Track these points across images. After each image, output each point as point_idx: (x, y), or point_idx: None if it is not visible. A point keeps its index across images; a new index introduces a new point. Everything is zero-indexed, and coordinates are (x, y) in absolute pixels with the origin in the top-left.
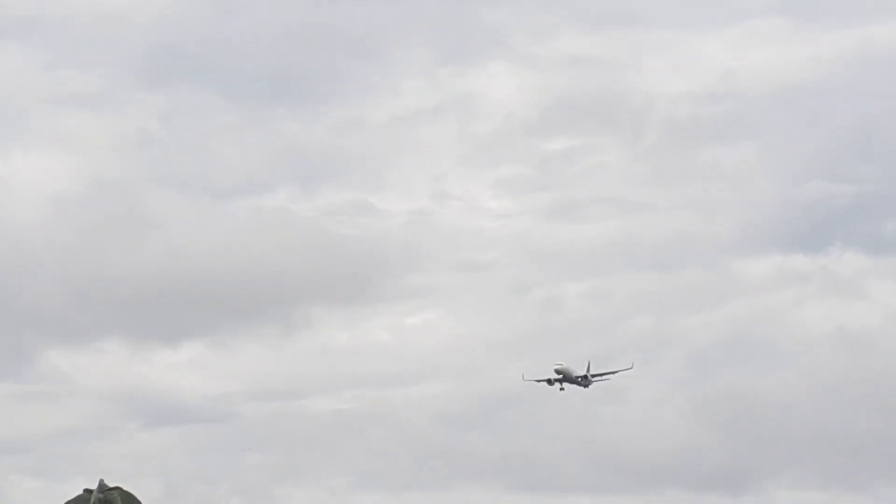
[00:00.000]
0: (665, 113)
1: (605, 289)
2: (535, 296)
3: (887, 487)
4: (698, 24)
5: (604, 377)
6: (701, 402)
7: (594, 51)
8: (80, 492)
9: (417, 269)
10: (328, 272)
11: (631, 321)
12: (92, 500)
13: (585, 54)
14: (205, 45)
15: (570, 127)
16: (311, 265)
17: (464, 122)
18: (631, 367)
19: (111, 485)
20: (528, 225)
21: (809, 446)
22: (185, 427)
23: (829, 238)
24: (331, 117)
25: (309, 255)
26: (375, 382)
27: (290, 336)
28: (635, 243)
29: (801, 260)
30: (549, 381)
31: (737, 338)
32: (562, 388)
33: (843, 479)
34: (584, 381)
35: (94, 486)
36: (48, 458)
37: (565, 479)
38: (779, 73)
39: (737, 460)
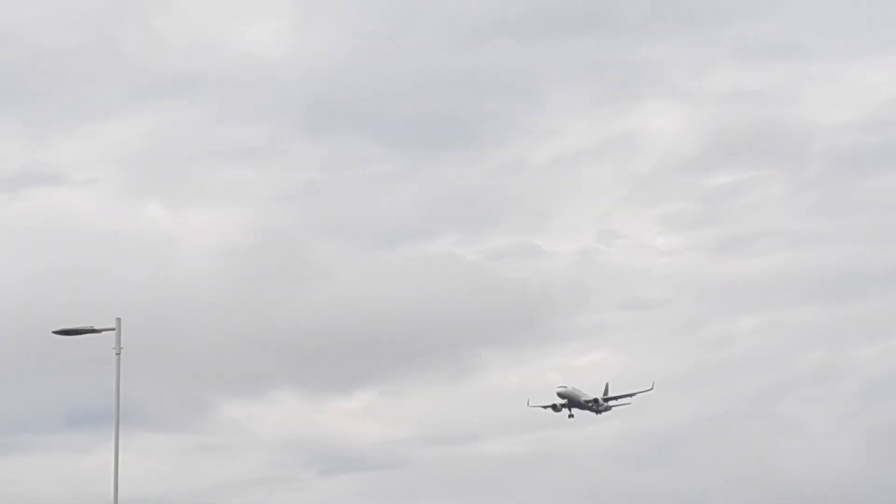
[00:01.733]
0: (828, 143)
1: (775, 322)
2: (705, 332)
3: None
4: (860, 53)
5: (621, 401)
6: (877, 433)
7: (754, 83)
8: None
9: (585, 309)
10: (496, 315)
11: (803, 354)
12: None
13: (745, 87)
14: (365, 94)
15: (733, 161)
16: (479, 309)
17: (625, 159)
18: (651, 388)
19: None
20: (694, 261)
21: None
22: (360, 474)
23: None
24: (493, 160)
25: (476, 300)
26: (547, 424)
27: (460, 380)
28: (804, 275)
29: None
30: (555, 407)
31: None
32: (570, 415)
33: None
34: (595, 405)
35: None
36: None
37: None
38: None
39: None
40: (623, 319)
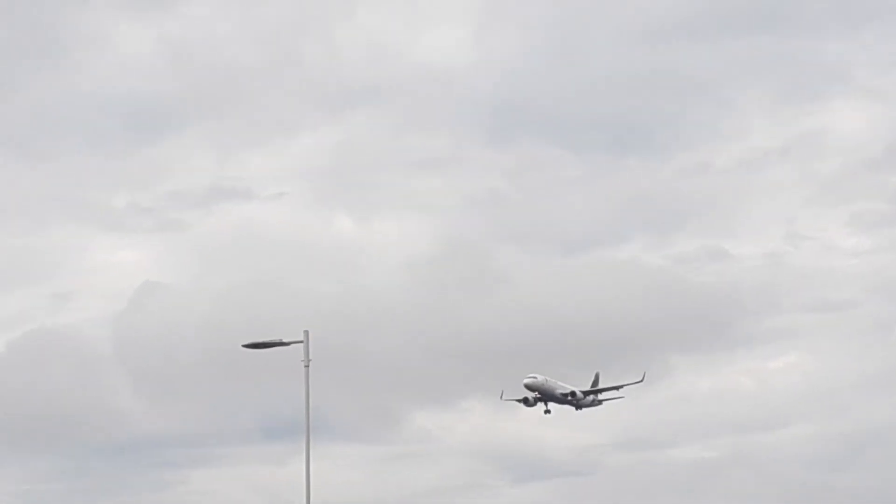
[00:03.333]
0: None
1: None
2: None
3: None
4: None
5: (609, 394)
6: None
7: None
8: None
9: (775, 312)
10: (684, 320)
11: None
12: None
13: None
14: (547, 99)
15: None
16: (667, 314)
17: (812, 159)
18: (642, 380)
19: None
20: (885, 261)
21: None
22: (552, 481)
23: None
24: (677, 163)
25: (663, 304)
26: (739, 428)
27: (649, 385)
28: None
29: None
30: (526, 401)
31: None
32: (547, 411)
33: None
34: (573, 398)
35: None
36: None
37: None
38: None
39: None
40: (813, 322)
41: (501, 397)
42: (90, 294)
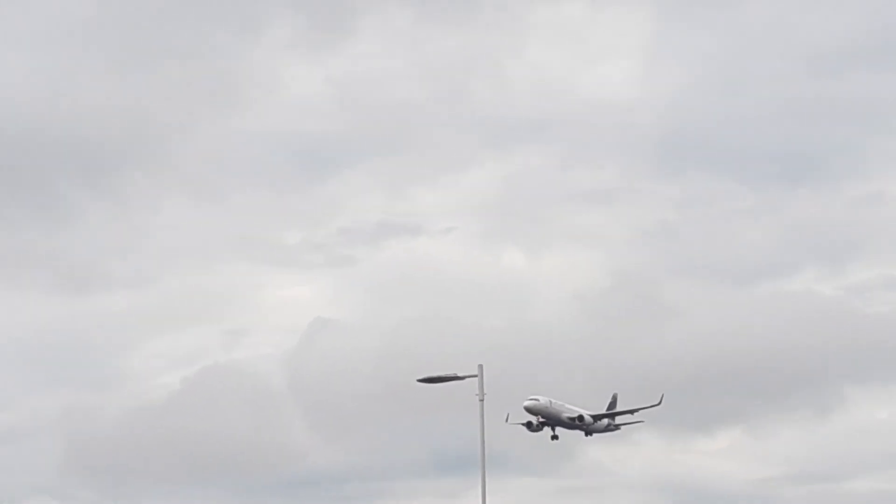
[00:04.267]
0: None
1: None
2: None
3: None
4: None
5: (624, 417)
6: None
7: None
8: None
9: None
10: (859, 350)
11: None
12: None
13: None
14: (716, 130)
15: None
16: (841, 344)
17: None
18: (660, 403)
19: None
20: None
21: None
22: None
23: None
24: (849, 193)
25: (838, 335)
26: None
27: (825, 416)
28: None
29: None
30: (530, 425)
31: None
32: (554, 437)
33: None
34: (580, 423)
35: None
36: None
37: None
38: None
39: None
40: None
41: (507, 420)
42: (263, 330)
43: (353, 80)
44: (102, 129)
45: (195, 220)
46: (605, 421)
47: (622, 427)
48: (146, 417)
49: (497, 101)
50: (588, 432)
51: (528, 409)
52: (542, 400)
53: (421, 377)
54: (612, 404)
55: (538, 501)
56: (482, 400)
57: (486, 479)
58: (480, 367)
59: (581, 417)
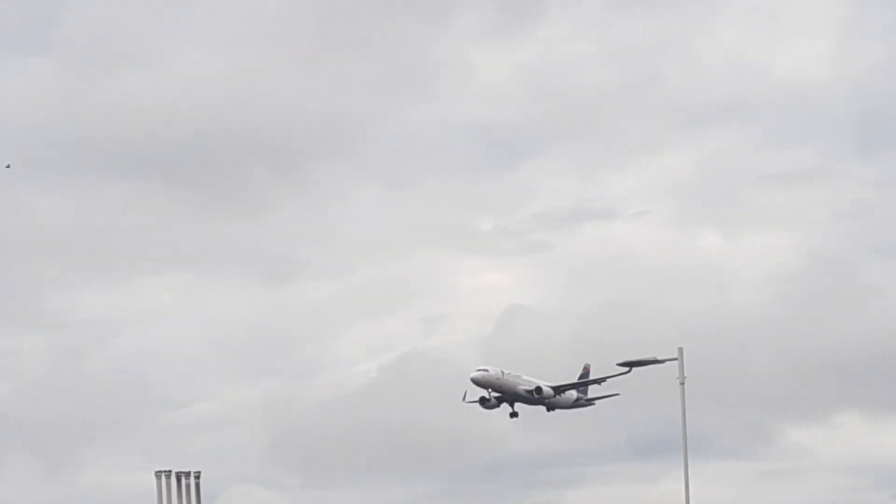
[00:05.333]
0: None
1: None
2: None
3: None
4: None
5: (599, 391)
6: None
7: None
8: None
9: None
10: None
11: None
12: None
13: None
14: None
15: None
16: None
17: None
18: (629, 371)
19: None
20: None
21: None
22: None
23: None
24: None
25: None
26: None
27: None
28: None
29: None
30: (483, 401)
31: None
32: (513, 413)
33: None
34: (539, 396)
35: None
36: None
37: None
38: None
39: None
40: None
41: (464, 399)
42: (459, 317)
43: (543, 66)
44: (296, 122)
45: (389, 210)
46: (574, 395)
47: (596, 402)
48: (345, 406)
49: (689, 84)
50: (550, 407)
51: (476, 382)
52: (492, 371)
53: (620, 361)
54: (584, 377)
55: (740, 485)
56: (682, 383)
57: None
58: (680, 350)
59: (539, 389)
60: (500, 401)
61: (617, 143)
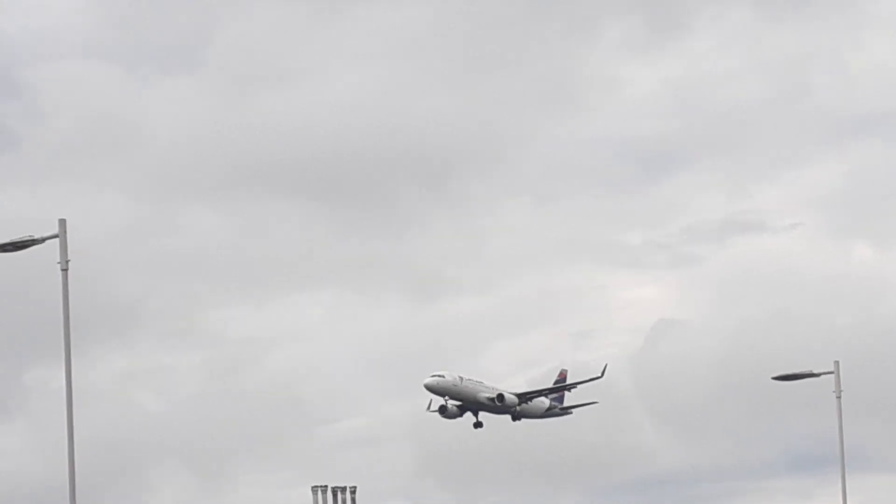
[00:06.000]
0: None
1: None
2: None
3: None
4: None
5: (573, 399)
6: None
7: None
8: None
9: None
10: None
11: None
12: None
13: None
14: None
15: None
16: None
17: None
18: (601, 376)
19: None
20: None
21: None
22: None
23: None
24: None
25: None
26: None
27: None
28: None
29: None
30: (443, 410)
31: None
32: (477, 423)
33: None
34: (501, 404)
35: None
36: None
37: None
38: None
39: None
40: None
41: (428, 408)
42: (609, 331)
43: (691, 79)
44: (443, 137)
45: (538, 225)
46: (545, 403)
47: (573, 411)
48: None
49: (839, 96)
50: (516, 416)
51: (431, 389)
52: (448, 377)
53: (775, 375)
54: (561, 379)
55: None
56: (839, 397)
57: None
58: (836, 363)
59: (501, 397)
60: (462, 409)
61: (766, 156)
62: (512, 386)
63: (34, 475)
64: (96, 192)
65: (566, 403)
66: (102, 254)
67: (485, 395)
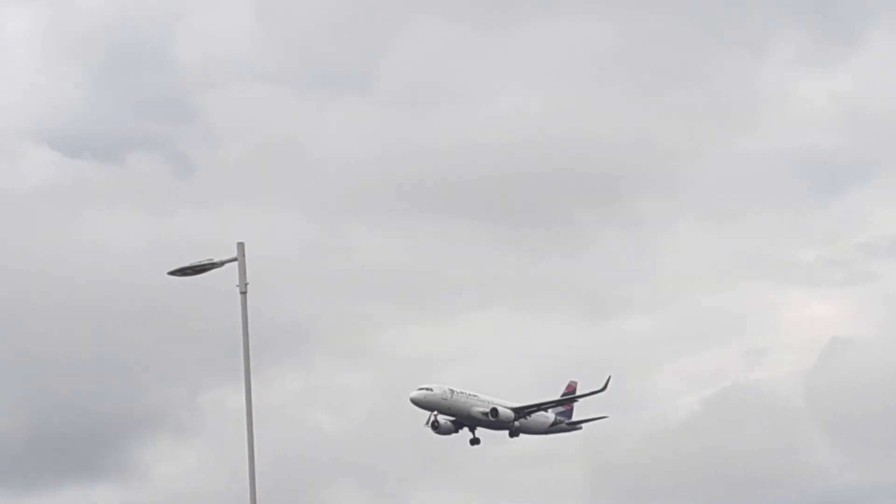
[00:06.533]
0: None
1: None
2: None
3: None
4: None
5: (583, 414)
6: None
7: None
8: None
9: None
10: None
11: None
12: None
13: None
14: None
15: None
16: None
17: None
18: (604, 389)
19: None
20: None
21: None
22: None
23: None
24: None
25: None
26: None
27: None
28: None
29: None
30: (434, 425)
31: None
32: (474, 440)
33: None
34: (494, 419)
35: None
36: None
37: None
38: None
39: None
40: None
41: (426, 423)
42: (782, 349)
43: (863, 92)
44: (615, 156)
45: (709, 242)
46: (550, 417)
47: (582, 426)
48: (668, 439)
49: None
50: (513, 432)
51: (417, 403)
52: (437, 390)
53: None
54: (571, 391)
55: None
56: None
57: None
58: None
59: (495, 411)
60: (456, 425)
61: None
62: (684, 404)
63: (212, 495)
64: (270, 215)
65: (575, 418)
66: (277, 275)
67: (478, 409)
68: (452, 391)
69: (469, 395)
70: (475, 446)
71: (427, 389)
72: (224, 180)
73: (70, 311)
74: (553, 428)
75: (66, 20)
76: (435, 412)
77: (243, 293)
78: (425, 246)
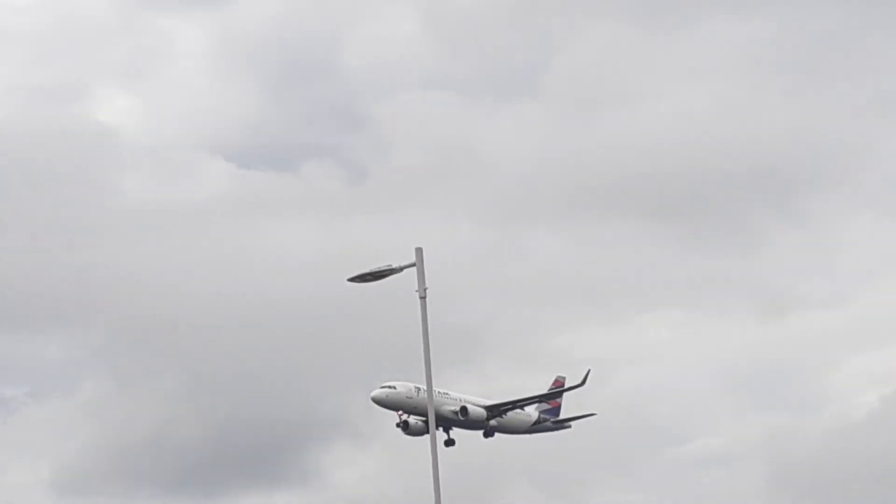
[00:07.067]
0: None
1: None
2: None
3: None
4: None
5: (569, 411)
6: None
7: None
8: None
9: None
10: None
11: None
12: None
13: None
14: None
15: None
16: None
17: None
18: (583, 383)
19: None
20: None
21: None
22: None
23: None
24: None
25: None
26: None
27: None
28: None
29: None
30: (406, 427)
31: None
32: (448, 441)
33: None
34: (464, 418)
35: None
36: None
37: None
38: None
39: None
40: None
41: (397, 425)
42: None
43: None
44: (789, 152)
45: (886, 236)
46: (533, 415)
47: (571, 424)
48: (848, 437)
49: None
50: (488, 432)
51: (379, 403)
52: (401, 388)
53: None
54: (559, 383)
55: None
56: None
57: None
58: None
59: (464, 410)
60: (425, 424)
61: None
62: (863, 402)
63: (391, 500)
64: (444, 220)
65: (562, 416)
66: (452, 280)
67: (448, 408)
68: (419, 389)
69: (440, 392)
70: (450, 447)
71: (389, 388)
72: (397, 187)
73: (249, 321)
74: (536, 427)
75: (236, 33)
76: (400, 412)
77: (422, 298)
78: (598, 249)
